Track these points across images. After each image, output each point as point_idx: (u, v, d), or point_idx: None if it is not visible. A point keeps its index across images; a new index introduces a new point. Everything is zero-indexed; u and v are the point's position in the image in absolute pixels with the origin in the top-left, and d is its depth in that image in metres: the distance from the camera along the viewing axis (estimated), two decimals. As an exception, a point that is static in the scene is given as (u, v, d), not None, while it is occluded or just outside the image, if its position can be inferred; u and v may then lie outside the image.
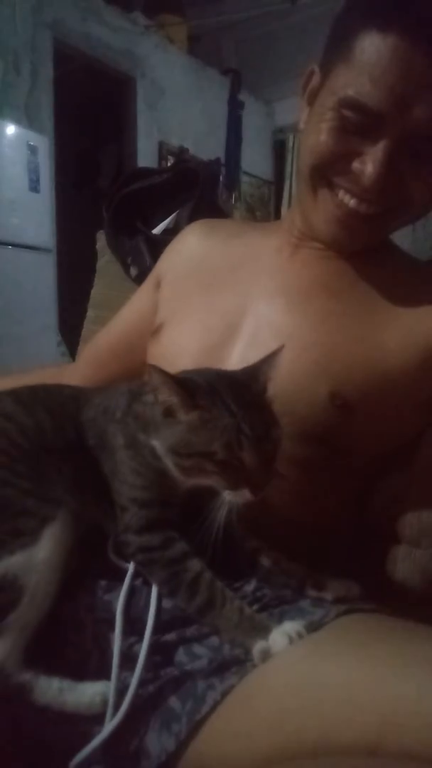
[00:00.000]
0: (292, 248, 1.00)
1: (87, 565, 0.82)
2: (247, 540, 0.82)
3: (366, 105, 0.82)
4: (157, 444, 0.77)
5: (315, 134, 0.88)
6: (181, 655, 0.73)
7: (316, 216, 0.94)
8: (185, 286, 1.07)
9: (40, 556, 0.71)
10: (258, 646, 0.69)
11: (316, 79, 0.93)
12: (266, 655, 0.68)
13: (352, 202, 0.89)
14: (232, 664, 0.70)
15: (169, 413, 0.74)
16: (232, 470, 0.71)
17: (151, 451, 0.78)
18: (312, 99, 0.93)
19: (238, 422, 0.70)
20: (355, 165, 0.86)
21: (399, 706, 0.56)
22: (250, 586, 0.79)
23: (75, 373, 1.19)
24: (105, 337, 1.22)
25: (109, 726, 0.67)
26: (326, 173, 0.90)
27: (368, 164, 0.84)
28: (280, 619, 0.73)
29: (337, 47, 0.87)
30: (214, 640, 0.73)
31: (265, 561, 0.80)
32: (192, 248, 1.12)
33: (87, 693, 0.69)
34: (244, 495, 0.71)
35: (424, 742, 0.53)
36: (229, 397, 0.72)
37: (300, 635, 0.69)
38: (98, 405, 0.84)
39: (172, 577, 0.74)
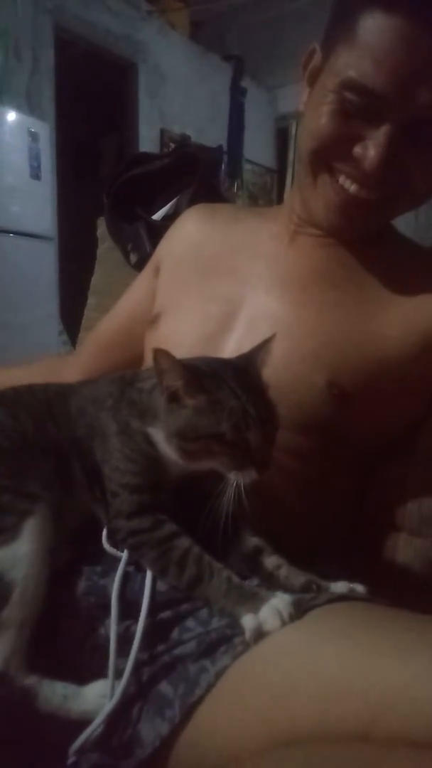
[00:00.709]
0: (291, 235, 0.99)
1: (83, 553, 0.82)
2: (249, 538, 0.81)
3: (368, 87, 0.80)
4: (154, 431, 0.78)
5: (315, 117, 0.86)
6: (175, 633, 0.73)
7: (315, 202, 0.93)
8: (183, 273, 1.07)
9: (23, 550, 0.72)
10: (248, 618, 0.68)
11: (317, 59, 0.91)
12: (259, 634, 0.68)
13: (353, 188, 0.87)
14: (221, 643, 0.69)
15: (174, 398, 0.74)
16: (239, 451, 0.73)
17: (144, 438, 0.79)
18: (313, 80, 0.91)
19: (243, 404, 0.72)
20: (357, 150, 0.84)
21: (391, 693, 0.56)
22: (252, 584, 0.79)
23: (77, 363, 1.19)
24: (106, 326, 1.22)
25: (108, 706, 0.67)
26: (326, 158, 0.88)
27: (370, 149, 0.83)
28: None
29: (339, 26, 0.85)
30: (204, 612, 0.74)
31: (268, 563, 0.79)
32: (190, 233, 1.11)
33: (90, 697, 0.69)
34: (250, 475, 0.73)
35: (416, 728, 0.53)
36: (232, 381, 0.74)
37: (291, 615, 0.68)
38: (87, 395, 0.85)
39: (161, 555, 0.75)
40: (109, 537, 0.81)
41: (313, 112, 0.87)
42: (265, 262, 0.99)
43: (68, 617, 0.77)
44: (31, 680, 0.69)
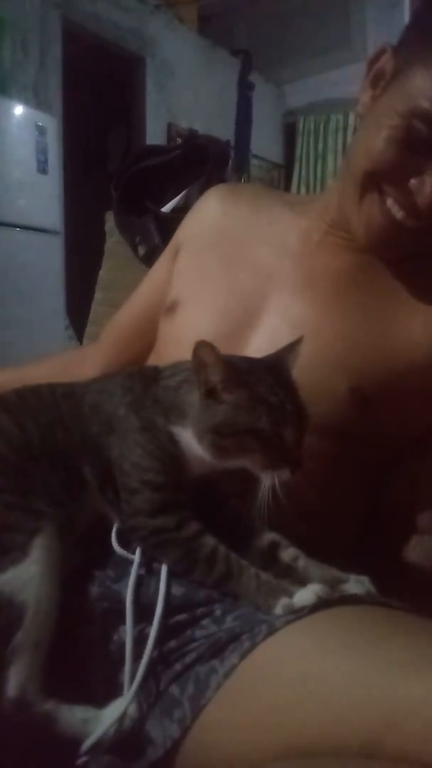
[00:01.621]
0: (322, 235, 0.96)
1: (92, 556, 0.82)
2: (265, 534, 0.81)
3: None
4: (178, 429, 0.77)
5: (375, 135, 0.83)
6: (189, 633, 0.73)
7: (358, 218, 0.89)
8: (204, 258, 1.04)
9: (33, 570, 0.70)
10: (281, 602, 0.70)
11: (387, 63, 0.87)
12: (289, 607, 0.69)
13: (400, 215, 0.84)
14: (230, 642, 0.69)
15: (211, 394, 0.73)
16: (274, 448, 0.73)
17: (168, 437, 0.78)
18: (377, 81, 0.87)
19: (281, 401, 0.73)
20: (413, 182, 0.81)
21: (401, 708, 0.55)
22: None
23: (98, 355, 1.17)
24: (126, 316, 1.19)
25: (120, 708, 0.67)
26: (379, 180, 0.85)
27: (428, 186, 0.80)
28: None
29: (420, 42, 0.81)
30: (219, 612, 0.73)
31: (285, 556, 0.79)
32: (213, 215, 1.08)
33: (110, 720, 0.67)
34: (284, 474, 0.73)
35: (424, 748, 0.52)
36: (269, 378, 0.74)
37: (326, 595, 0.69)
38: (100, 391, 0.84)
39: (187, 554, 0.74)
40: (126, 535, 0.80)
41: (374, 129, 0.83)
42: (292, 260, 0.96)
43: (82, 624, 0.76)
44: (49, 705, 0.67)
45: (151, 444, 0.78)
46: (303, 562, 0.77)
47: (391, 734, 0.54)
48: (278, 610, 0.69)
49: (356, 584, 0.74)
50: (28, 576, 0.70)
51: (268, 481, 0.72)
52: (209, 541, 0.74)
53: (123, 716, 0.66)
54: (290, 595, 0.70)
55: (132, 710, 0.67)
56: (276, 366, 0.77)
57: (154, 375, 0.83)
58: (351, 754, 0.55)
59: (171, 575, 0.76)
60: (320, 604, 0.69)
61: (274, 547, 0.79)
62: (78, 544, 0.81)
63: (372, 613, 0.71)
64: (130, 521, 0.78)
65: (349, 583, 0.74)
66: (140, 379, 0.83)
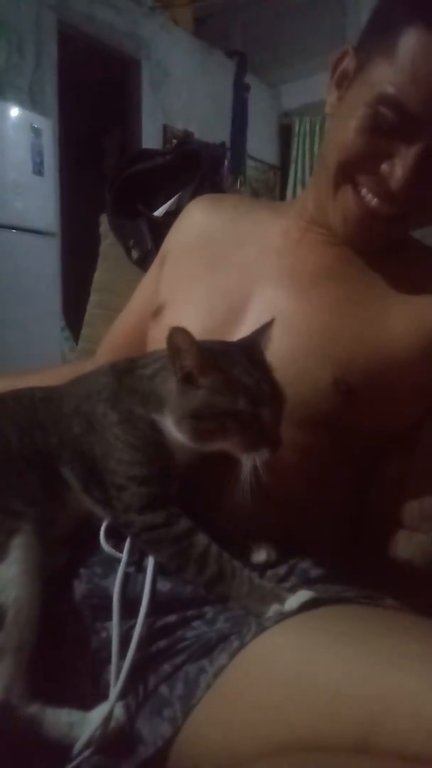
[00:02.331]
0: (301, 232, 0.98)
1: (82, 556, 0.82)
2: (239, 530, 0.82)
3: (405, 105, 0.78)
4: (159, 417, 0.78)
5: (345, 128, 0.84)
6: (179, 633, 0.74)
7: (334, 211, 0.91)
8: (188, 263, 1.05)
9: (12, 572, 0.70)
10: (273, 608, 0.70)
11: (349, 62, 0.89)
12: (280, 614, 0.69)
13: (374, 202, 0.86)
14: (219, 642, 0.69)
15: (188, 379, 0.74)
16: (252, 429, 0.73)
17: (150, 425, 0.78)
18: (342, 82, 0.90)
19: (257, 381, 0.74)
20: (384, 167, 0.83)
21: (391, 704, 0.56)
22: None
23: None
24: (119, 327, 1.20)
25: (106, 707, 0.67)
26: (352, 171, 0.87)
27: (397, 168, 0.81)
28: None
29: (378, 36, 0.83)
30: (210, 614, 0.74)
31: (259, 556, 0.81)
32: (197, 223, 1.10)
33: (96, 723, 0.66)
34: (264, 454, 0.73)
35: (416, 743, 0.53)
36: (243, 360, 0.75)
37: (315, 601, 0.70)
38: (77, 393, 0.85)
39: (179, 552, 0.75)
40: (120, 531, 0.80)
41: (343, 122, 0.85)
42: (274, 256, 0.98)
43: (70, 623, 0.77)
44: (34, 708, 0.67)
45: (131, 435, 0.78)
46: (274, 553, 0.80)
47: (383, 730, 0.55)
48: (270, 616, 0.70)
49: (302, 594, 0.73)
50: (8, 577, 0.69)
51: (249, 462, 0.73)
52: (201, 540, 0.75)
53: (109, 719, 0.66)
54: (282, 602, 0.71)
55: (119, 713, 0.67)
56: (250, 348, 0.79)
57: (128, 366, 0.84)
58: (342, 750, 0.56)
59: (158, 572, 0.77)
60: (309, 603, 0.70)
61: (246, 536, 0.81)
62: (64, 543, 0.82)
63: (361, 611, 0.72)
64: (122, 517, 0.78)
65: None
66: (113, 373, 0.84)
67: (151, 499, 0.77)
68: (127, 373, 0.83)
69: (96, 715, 0.67)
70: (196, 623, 0.74)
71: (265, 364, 0.78)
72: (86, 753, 0.65)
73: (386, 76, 0.80)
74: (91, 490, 0.80)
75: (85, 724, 0.66)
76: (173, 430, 0.77)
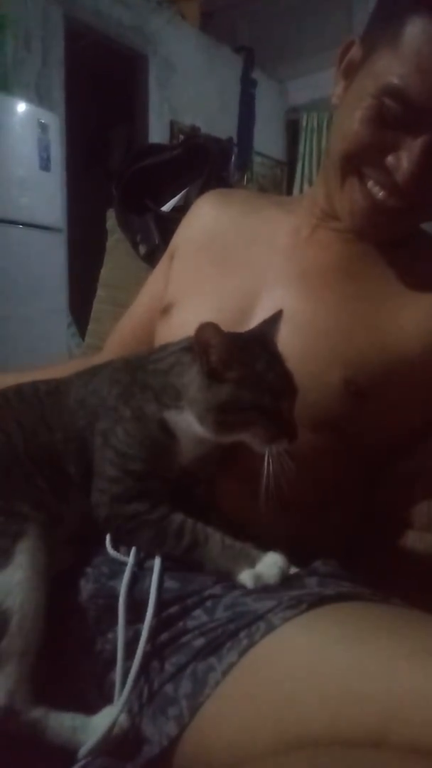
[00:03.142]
0: (312, 228, 0.97)
1: (88, 556, 0.82)
2: (225, 528, 0.82)
3: (410, 97, 0.77)
4: (171, 414, 0.78)
5: (349, 119, 0.84)
6: (181, 624, 0.74)
7: (341, 203, 0.90)
8: (197, 261, 1.04)
9: (17, 576, 0.69)
10: (245, 574, 0.74)
11: (355, 53, 0.88)
12: (258, 580, 0.73)
13: (381, 195, 0.85)
14: (226, 640, 0.69)
15: (213, 373, 0.75)
16: (274, 421, 0.76)
17: (159, 425, 0.79)
18: (348, 73, 0.89)
19: (278, 375, 0.76)
20: (389, 159, 0.82)
21: (406, 700, 0.55)
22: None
23: None
24: (127, 323, 1.20)
25: (114, 711, 0.66)
26: (357, 163, 0.86)
27: (404, 161, 0.80)
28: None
29: (384, 26, 0.82)
30: (210, 603, 0.74)
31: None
32: (205, 220, 1.09)
33: (100, 728, 0.66)
34: (283, 444, 0.76)
35: (431, 738, 0.52)
36: (264, 353, 0.77)
37: (288, 570, 0.75)
38: (86, 385, 0.85)
39: (158, 532, 0.77)
40: (102, 527, 0.81)
41: (348, 113, 0.84)
42: (284, 255, 0.97)
43: (76, 623, 0.76)
44: (37, 713, 0.66)
45: (140, 433, 0.79)
46: None
47: (397, 725, 0.54)
48: (244, 580, 0.73)
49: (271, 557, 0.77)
50: (13, 582, 0.68)
51: (272, 452, 0.75)
52: (177, 516, 0.78)
53: (113, 725, 0.65)
54: (252, 562, 0.74)
55: (122, 719, 0.66)
56: (264, 340, 0.80)
57: (141, 362, 0.84)
58: (357, 746, 0.56)
59: (164, 572, 0.77)
60: (317, 600, 0.69)
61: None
62: (70, 544, 0.81)
63: (371, 607, 0.71)
64: (105, 511, 0.79)
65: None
66: (126, 369, 0.84)
67: (141, 492, 0.79)
68: (140, 368, 0.83)
69: (100, 720, 0.66)
70: (196, 612, 0.74)
71: (279, 356, 0.79)
72: (90, 758, 0.65)
73: (391, 67, 0.79)
74: (88, 487, 0.81)
75: (88, 729, 0.66)
76: (191, 424, 0.77)
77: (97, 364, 0.91)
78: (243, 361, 0.75)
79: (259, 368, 0.75)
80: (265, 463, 0.75)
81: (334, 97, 0.92)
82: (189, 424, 0.77)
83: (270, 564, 0.75)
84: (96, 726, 0.66)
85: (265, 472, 0.75)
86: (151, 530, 0.78)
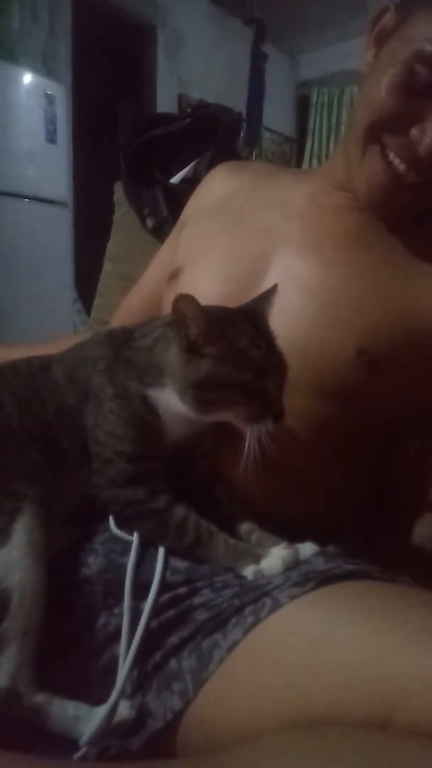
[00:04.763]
0: (327, 196, 0.95)
1: (96, 530, 0.82)
2: (227, 504, 0.83)
3: None
4: (154, 391, 0.77)
5: (377, 87, 0.81)
6: (188, 602, 0.73)
7: (359, 175, 0.88)
8: (207, 226, 1.03)
9: (15, 555, 0.68)
10: (249, 569, 0.74)
11: (389, 19, 0.85)
12: (259, 575, 0.73)
13: (401, 168, 0.83)
14: (231, 616, 0.69)
15: (192, 348, 0.73)
16: (257, 400, 0.73)
17: (142, 402, 0.78)
18: (381, 40, 0.86)
19: (263, 352, 0.73)
20: (413, 132, 0.80)
21: (414, 680, 0.55)
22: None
23: None
24: (136, 297, 1.19)
25: (114, 693, 0.66)
26: (381, 131, 0.83)
27: (428, 134, 0.78)
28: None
29: None
30: (218, 582, 0.74)
31: (241, 529, 0.81)
32: (218, 189, 1.07)
33: (101, 718, 0.65)
34: (267, 425, 0.73)
35: None
36: (250, 329, 0.74)
37: (292, 562, 0.74)
38: (74, 361, 0.84)
39: (159, 524, 0.77)
40: (104, 510, 0.81)
41: (376, 80, 0.82)
42: (297, 220, 0.95)
43: (82, 596, 0.76)
44: (40, 698, 0.66)
45: (125, 411, 0.78)
46: (256, 536, 0.80)
47: (404, 706, 0.54)
48: (247, 575, 0.73)
49: (310, 548, 0.77)
50: (11, 561, 0.68)
51: (254, 433, 0.73)
52: (180, 511, 0.76)
53: (113, 713, 0.65)
54: (257, 559, 0.74)
55: (124, 710, 0.66)
56: (254, 316, 0.78)
57: (125, 337, 0.83)
58: (362, 725, 0.56)
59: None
60: (323, 579, 0.69)
61: (233, 517, 0.82)
62: (71, 520, 0.81)
63: (378, 586, 0.71)
64: (104, 494, 0.79)
65: (304, 547, 0.77)
66: (110, 343, 0.83)
67: (135, 475, 0.78)
68: (123, 344, 0.82)
69: (102, 711, 0.66)
70: (204, 591, 0.74)
71: (269, 333, 0.77)
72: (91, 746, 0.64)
73: (426, 32, 0.77)
74: (84, 466, 0.80)
75: (91, 718, 0.65)
76: (173, 401, 0.76)
77: (84, 339, 0.90)
78: (224, 337, 0.72)
79: (242, 344, 0.73)
80: (246, 443, 0.73)
81: (365, 65, 0.89)
82: (171, 401, 0.76)
83: (275, 557, 0.74)
84: (98, 716, 0.65)
85: (245, 451, 0.73)
86: (151, 521, 0.77)
